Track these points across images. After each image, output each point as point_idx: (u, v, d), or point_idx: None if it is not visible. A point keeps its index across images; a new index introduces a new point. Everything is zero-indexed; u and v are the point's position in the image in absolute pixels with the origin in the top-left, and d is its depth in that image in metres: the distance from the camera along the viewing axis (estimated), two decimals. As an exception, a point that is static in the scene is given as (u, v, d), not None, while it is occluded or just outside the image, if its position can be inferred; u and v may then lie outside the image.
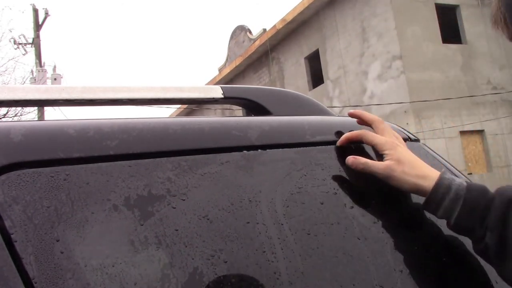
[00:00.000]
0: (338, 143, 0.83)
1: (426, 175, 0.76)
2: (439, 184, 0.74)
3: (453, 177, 0.76)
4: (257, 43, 18.25)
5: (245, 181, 0.72)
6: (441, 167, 0.93)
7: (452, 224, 0.74)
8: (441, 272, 0.75)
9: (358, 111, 0.88)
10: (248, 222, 0.67)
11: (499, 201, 0.70)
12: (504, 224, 0.68)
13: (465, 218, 0.72)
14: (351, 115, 0.88)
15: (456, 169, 0.96)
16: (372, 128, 0.85)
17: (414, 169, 0.77)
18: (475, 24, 14.47)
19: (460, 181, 0.75)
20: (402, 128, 1.00)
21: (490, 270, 0.75)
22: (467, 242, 0.77)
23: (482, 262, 0.76)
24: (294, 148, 0.80)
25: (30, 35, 15.78)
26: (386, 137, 0.81)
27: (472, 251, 0.75)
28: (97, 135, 0.67)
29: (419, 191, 0.76)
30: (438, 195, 0.74)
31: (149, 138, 0.70)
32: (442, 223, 0.81)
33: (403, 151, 0.79)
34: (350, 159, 0.78)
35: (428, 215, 0.80)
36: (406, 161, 0.77)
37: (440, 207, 0.74)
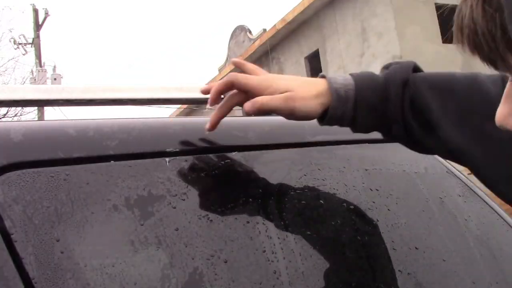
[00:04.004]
0: (209, 103, 0.70)
1: (319, 91, 0.70)
2: (334, 97, 0.69)
3: (337, 78, 0.71)
4: (257, 43, 18.25)
5: (245, 181, 0.72)
6: (442, 168, 0.93)
7: (357, 129, 0.72)
8: (442, 272, 0.75)
9: (241, 61, 0.77)
10: (248, 222, 0.67)
11: (393, 90, 0.68)
12: (403, 112, 0.68)
13: (367, 119, 0.70)
14: (234, 64, 0.78)
15: (456, 169, 0.96)
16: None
17: (308, 91, 0.69)
18: (475, 24, 14.44)
19: (347, 82, 0.70)
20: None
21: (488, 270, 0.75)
22: (469, 240, 0.77)
23: (482, 262, 0.76)
24: (294, 148, 0.80)
25: (30, 35, 15.77)
26: (260, 75, 0.71)
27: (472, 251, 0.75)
28: (97, 135, 0.67)
29: (320, 113, 0.70)
30: (337, 112, 0.70)
31: (149, 138, 0.70)
32: (446, 223, 0.81)
33: (286, 80, 0.70)
34: (247, 104, 0.67)
35: (431, 214, 0.79)
36: (296, 87, 0.69)
37: (342, 119, 0.71)
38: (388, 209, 0.79)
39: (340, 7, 15.08)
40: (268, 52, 17.94)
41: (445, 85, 0.67)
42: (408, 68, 0.70)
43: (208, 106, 0.72)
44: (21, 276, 0.50)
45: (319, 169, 0.79)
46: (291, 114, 0.69)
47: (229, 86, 0.69)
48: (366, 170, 0.83)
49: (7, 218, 0.54)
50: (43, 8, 15.81)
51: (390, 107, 0.68)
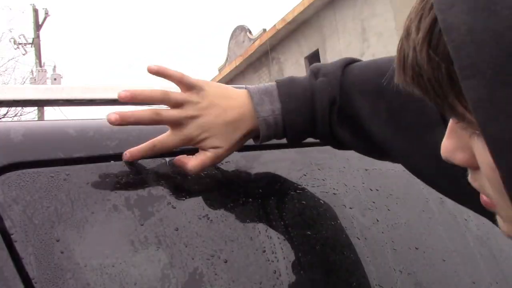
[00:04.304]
0: (123, 98, 0.64)
1: (247, 130, 0.69)
2: (263, 127, 0.69)
3: (263, 103, 0.69)
4: (257, 43, 18.25)
5: (245, 181, 0.72)
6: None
7: (290, 143, 0.73)
8: (442, 272, 0.75)
9: (161, 67, 0.69)
10: (248, 222, 0.67)
11: (320, 111, 0.67)
12: (331, 127, 0.69)
13: (300, 137, 0.72)
14: (151, 71, 0.68)
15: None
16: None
17: (234, 137, 0.68)
18: (475, 24, 14.45)
19: (274, 105, 0.68)
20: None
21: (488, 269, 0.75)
22: (469, 240, 0.77)
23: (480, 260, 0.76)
24: (294, 148, 0.80)
25: (30, 35, 15.77)
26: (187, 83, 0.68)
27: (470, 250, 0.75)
28: (97, 135, 0.67)
29: (245, 142, 0.71)
30: (270, 136, 0.71)
31: (149, 138, 0.70)
32: (446, 223, 0.81)
33: (210, 132, 0.67)
34: (177, 162, 0.67)
35: (431, 214, 0.79)
36: (223, 140, 0.67)
37: (275, 138, 0.72)
38: (388, 209, 0.79)
39: (340, 7, 15.08)
40: (268, 52, 17.94)
41: (374, 86, 0.64)
42: (335, 81, 0.67)
43: (119, 96, 0.65)
44: (21, 276, 0.50)
45: (319, 169, 0.79)
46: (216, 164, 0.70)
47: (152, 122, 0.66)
48: (366, 170, 0.83)
49: (7, 218, 0.54)
50: (43, 8, 15.81)
51: (318, 126, 0.69)
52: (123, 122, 0.64)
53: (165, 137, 0.67)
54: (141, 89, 0.67)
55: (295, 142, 0.73)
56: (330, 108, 0.67)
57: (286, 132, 0.70)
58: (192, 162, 0.66)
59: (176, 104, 0.67)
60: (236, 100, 0.69)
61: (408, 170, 0.65)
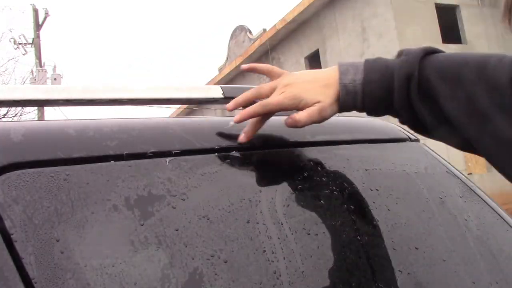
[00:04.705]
0: (231, 107, 0.78)
1: (337, 93, 0.75)
2: (343, 95, 0.75)
3: (348, 71, 0.76)
4: (257, 43, 18.24)
5: (245, 181, 0.72)
6: (441, 168, 0.93)
7: (369, 114, 0.78)
8: (442, 272, 0.75)
9: (251, 64, 0.84)
10: (248, 222, 0.67)
11: (397, 84, 0.72)
12: (410, 102, 0.71)
13: (377, 108, 0.75)
14: (244, 69, 0.84)
15: (456, 169, 0.96)
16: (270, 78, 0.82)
17: (330, 96, 0.75)
18: (475, 24, 14.46)
19: (356, 76, 0.75)
20: (402, 128, 1.00)
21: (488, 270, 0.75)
22: (469, 240, 0.77)
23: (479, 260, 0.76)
24: (294, 148, 0.80)
25: (30, 35, 15.77)
26: (276, 75, 0.79)
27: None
28: (97, 135, 0.67)
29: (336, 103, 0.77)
30: (348, 104, 0.76)
31: (149, 138, 0.70)
32: (446, 223, 0.81)
33: (310, 91, 0.76)
34: (289, 122, 0.75)
35: (431, 214, 0.79)
36: (321, 96, 0.75)
37: (355, 108, 0.76)
38: (388, 209, 0.79)
39: (340, 7, 15.07)
40: (268, 52, 17.94)
41: (454, 74, 0.68)
42: (414, 60, 0.71)
43: (228, 109, 0.78)
44: (21, 276, 0.50)
45: (319, 169, 0.79)
46: (323, 121, 0.76)
47: (259, 111, 0.75)
48: (366, 170, 0.83)
49: (7, 218, 0.54)
50: (43, 8, 15.81)
51: (396, 98, 0.72)
52: (236, 106, 0.77)
53: (272, 96, 0.76)
54: (237, 97, 0.78)
55: (373, 111, 0.76)
56: (407, 82, 0.71)
57: (364, 101, 0.74)
58: (299, 114, 0.74)
59: (271, 89, 0.77)
60: (325, 72, 0.78)
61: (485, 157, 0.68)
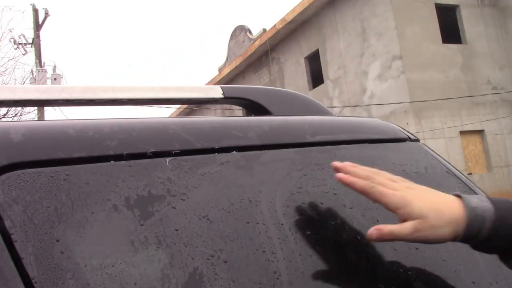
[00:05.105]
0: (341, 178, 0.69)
1: (452, 218, 0.66)
2: (469, 226, 0.66)
3: (477, 204, 0.67)
4: (257, 43, 18.25)
5: (245, 181, 0.72)
6: (442, 168, 0.93)
7: (490, 251, 0.69)
8: (442, 272, 0.75)
9: (347, 165, 0.72)
10: (248, 222, 0.67)
11: None
12: None
13: (503, 242, 0.67)
14: (336, 169, 0.72)
15: (456, 169, 0.96)
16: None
17: (441, 218, 0.66)
18: (475, 24, 14.47)
19: (486, 208, 0.67)
20: (402, 128, 1.00)
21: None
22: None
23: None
24: (294, 148, 0.80)
25: (30, 35, 15.77)
26: (395, 188, 0.69)
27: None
28: (97, 135, 0.67)
29: (457, 235, 0.68)
30: (472, 231, 0.67)
31: (149, 138, 0.70)
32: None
33: (421, 202, 0.67)
34: (374, 232, 0.66)
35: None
36: (429, 212, 0.66)
37: (477, 238, 0.67)
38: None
39: (340, 7, 15.08)
40: (268, 52, 17.95)
41: None
42: None
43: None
44: (21, 276, 0.50)
45: (319, 169, 0.79)
46: (415, 241, 0.68)
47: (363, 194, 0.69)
48: (366, 170, 0.82)
49: (7, 218, 0.54)
50: (43, 8, 15.81)
51: None
52: (344, 179, 0.69)
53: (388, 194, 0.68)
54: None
55: (495, 248, 0.68)
56: None
57: (493, 232, 0.65)
58: (389, 227, 0.66)
59: (388, 183, 0.70)
60: (445, 195, 0.70)
61: None
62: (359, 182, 0.68)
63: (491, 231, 0.66)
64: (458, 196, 0.69)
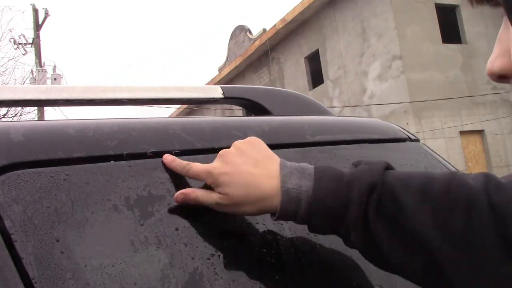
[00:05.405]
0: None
1: (265, 194, 0.63)
2: (283, 208, 0.63)
3: (292, 175, 0.64)
4: (257, 43, 18.25)
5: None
6: (441, 168, 0.93)
7: (311, 230, 0.65)
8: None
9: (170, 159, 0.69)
10: (248, 222, 0.67)
11: (357, 194, 0.61)
12: (366, 219, 0.60)
13: (323, 223, 0.63)
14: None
15: (456, 169, 0.96)
16: None
17: (246, 197, 0.63)
18: (475, 24, 14.47)
19: (302, 181, 0.63)
20: (402, 128, 1.00)
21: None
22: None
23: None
24: (294, 148, 0.80)
25: (30, 35, 15.77)
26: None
27: None
28: (97, 135, 0.67)
29: (265, 212, 0.65)
30: (288, 213, 0.64)
31: (149, 138, 0.70)
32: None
33: (232, 177, 0.64)
34: (179, 196, 0.64)
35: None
36: (235, 191, 0.63)
37: (295, 219, 0.65)
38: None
39: (340, 7, 15.08)
40: (268, 52, 17.94)
41: (421, 185, 0.59)
42: (378, 170, 0.62)
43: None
44: (21, 276, 0.50)
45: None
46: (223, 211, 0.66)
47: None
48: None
49: (7, 218, 0.54)
50: (43, 8, 15.81)
51: (351, 214, 0.61)
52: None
53: (198, 164, 0.67)
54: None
55: (316, 226, 0.64)
56: (368, 194, 0.60)
57: (309, 212, 0.62)
58: (197, 192, 0.65)
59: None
60: (267, 163, 0.66)
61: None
62: (177, 161, 0.67)
63: (307, 213, 0.62)
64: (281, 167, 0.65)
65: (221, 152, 0.67)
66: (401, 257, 0.59)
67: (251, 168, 0.65)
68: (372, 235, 0.60)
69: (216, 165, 0.65)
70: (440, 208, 0.57)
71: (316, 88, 16.39)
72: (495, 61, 0.39)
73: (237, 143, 0.68)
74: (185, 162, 0.67)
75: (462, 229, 0.55)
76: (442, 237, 0.56)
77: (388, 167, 0.64)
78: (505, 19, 0.39)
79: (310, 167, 0.65)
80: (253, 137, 0.70)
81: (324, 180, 0.63)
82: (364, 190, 0.60)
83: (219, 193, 0.64)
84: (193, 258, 0.59)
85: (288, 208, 0.63)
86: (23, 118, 12.91)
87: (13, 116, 13.32)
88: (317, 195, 0.62)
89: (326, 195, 0.62)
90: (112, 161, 0.64)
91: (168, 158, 0.68)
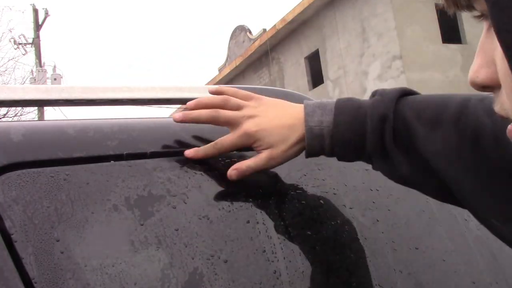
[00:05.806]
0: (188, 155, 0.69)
1: (298, 138, 0.69)
2: (310, 146, 0.69)
3: (315, 113, 0.68)
4: (257, 43, 18.24)
5: (245, 181, 0.72)
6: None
7: (340, 160, 0.71)
8: (442, 272, 0.75)
9: (218, 88, 0.76)
10: (248, 222, 0.67)
11: (370, 125, 0.65)
12: (384, 146, 0.65)
13: (347, 154, 0.69)
14: (210, 91, 0.77)
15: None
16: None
17: (288, 143, 0.69)
18: (475, 24, 14.41)
19: (324, 117, 0.68)
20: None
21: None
22: (469, 240, 0.77)
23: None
24: (294, 148, 0.80)
25: (30, 35, 15.77)
26: (238, 120, 0.70)
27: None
28: (97, 135, 0.67)
29: (299, 154, 0.71)
30: (315, 149, 0.69)
31: (149, 138, 0.70)
32: (446, 223, 0.81)
33: (268, 131, 0.69)
34: (233, 173, 0.68)
35: (431, 214, 0.79)
36: (277, 139, 0.69)
37: (324, 153, 0.70)
38: (388, 209, 0.79)
39: (340, 7, 15.08)
40: (268, 52, 17.94)
41: (433, 114, 0.63)
42: (390, 100, 0.66)
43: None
44: (21, 276, 0.50)
45: (319, 169, 0.79)
46: (271, 168, 0.71)
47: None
48: (366, 170, 0.83)
49: (7, 218, 0.54)
50: (43, 8, 15.82)
51: (368, 144, 0.66)
52: (185, 119, 0.70)
53: (226, 136, 0.70)
54: (200, 98, 0.73)
55: (343, 157, 0.70)
56: (381, 125, 0.65)
57: (332, 146, 0.68)
58: (246, 162, 0.68)
59: (236, 107, 0.71)
60: (292, 108, 0.71)
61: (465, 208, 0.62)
62: (202, 150, 0.69)
63: (331, 146, 0.68)
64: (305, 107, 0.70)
65: (239, 113, 0.70)
66: (417, 179, 0.66)
67: (278, 113, 0.70)
68: (392, 160, 0.65)
69: (246, 126, 0.69)
70: (448, 137, 0.60)
71: (316, 88, 16.39)
72: (479, 71, 0.38)
73: (245, 102, 0.72)
74: (211, 144, 0.70)
75: (468, 157, 0.58)
76: (449, 163, 0.60)
77: (405, 93, 0.67)
78: (487, 27, 0.38)
79: (332, 102, 0.69)
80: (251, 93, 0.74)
81: (343, 114, 0.67)
82: (376, 122, 0.65)
83: (264, 149, 0.68)
84: (193, 258, 0.59)
85: (314, 144, 0.68)
86: (23, 118, 12.90)
87: (13, 116, 13.32)
88: (336, 129, 0.67)
89: (345, 128, 0.66)
90: (112, 161, 0.64)
91: (191, 151, 0.69)
